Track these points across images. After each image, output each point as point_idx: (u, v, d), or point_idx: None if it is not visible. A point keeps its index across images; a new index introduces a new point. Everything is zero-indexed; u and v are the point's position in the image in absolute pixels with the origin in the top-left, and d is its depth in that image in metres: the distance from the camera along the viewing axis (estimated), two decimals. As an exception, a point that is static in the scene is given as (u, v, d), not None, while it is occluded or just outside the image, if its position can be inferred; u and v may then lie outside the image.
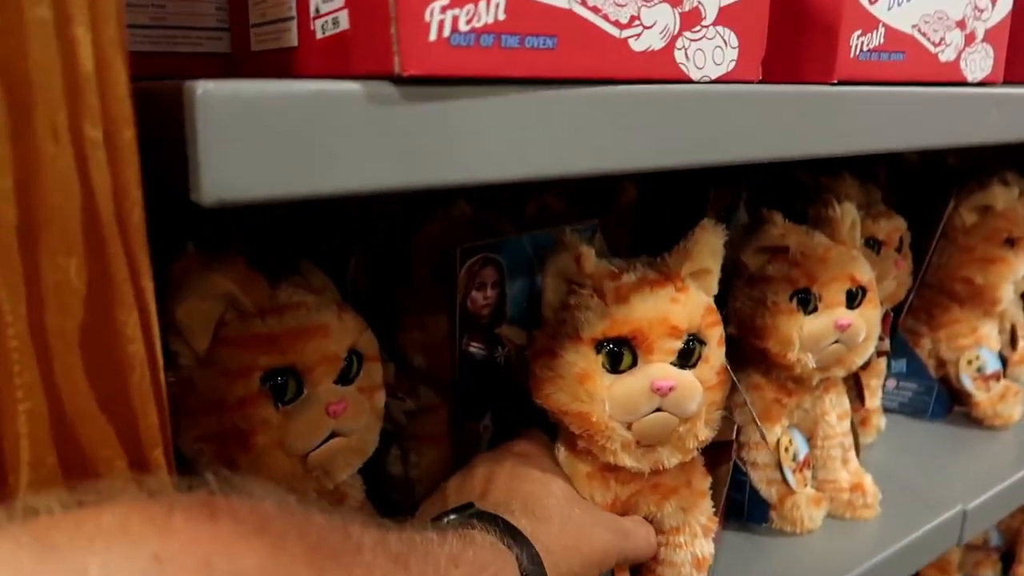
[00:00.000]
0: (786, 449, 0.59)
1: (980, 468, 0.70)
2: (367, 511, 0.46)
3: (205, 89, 0.24)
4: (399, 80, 0.27)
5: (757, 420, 0.57)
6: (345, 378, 0.41)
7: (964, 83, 0.49)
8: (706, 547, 0.48)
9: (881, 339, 0.61)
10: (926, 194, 0.80)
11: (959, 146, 0.50)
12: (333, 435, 0.40)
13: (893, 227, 0.72)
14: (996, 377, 0.79)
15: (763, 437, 0.58)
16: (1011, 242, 0.76)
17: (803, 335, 0.55)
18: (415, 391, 0.52)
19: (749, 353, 0.58)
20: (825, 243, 0.56)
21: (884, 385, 0.79)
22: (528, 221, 0.57)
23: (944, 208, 0.77)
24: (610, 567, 0.44)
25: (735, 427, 0.51)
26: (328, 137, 0.26)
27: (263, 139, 0.25)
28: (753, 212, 0.67)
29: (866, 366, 0.73)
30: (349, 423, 0.40)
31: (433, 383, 0.52)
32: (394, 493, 0.53)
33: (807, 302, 0.55)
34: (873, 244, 0.71)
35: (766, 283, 0.56)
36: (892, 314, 0.72)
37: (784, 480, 0.58)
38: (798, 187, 0.71)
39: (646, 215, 0.70)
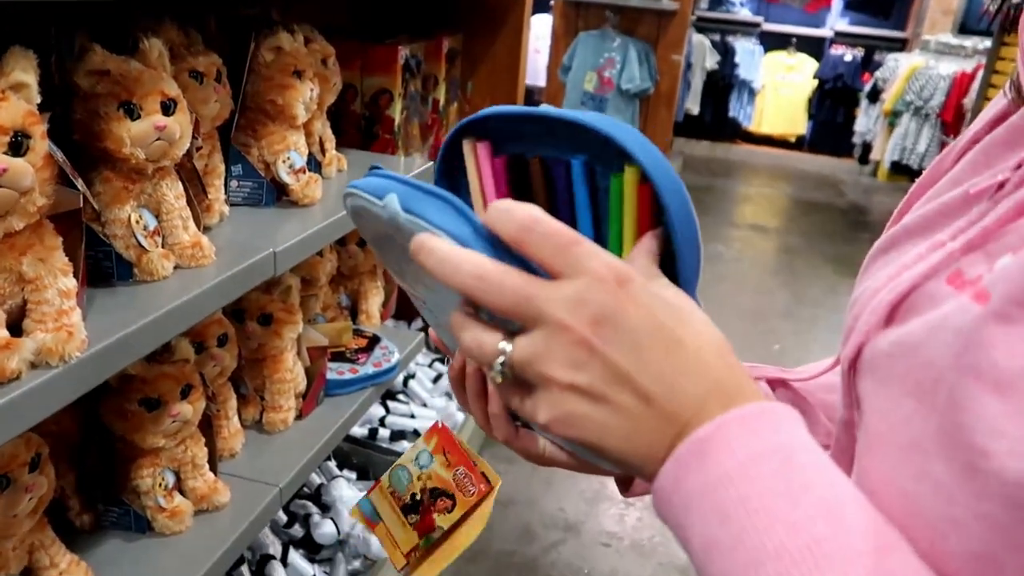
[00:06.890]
0: (137, 222, 0.82)
1: (291, 231, 1.04)
2: None
3: None
4: None
5: (90, 199, 0.78)
6: None
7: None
8: (68, 282, 0.68)
9: (195, 137, 0.87)
10: (242, 37, 1.07)
11: None
12: None
13: (210, 62, 0.97)
14: (303, 170, 1.14)
15: (111, 218, 0.79)
16: (298, 73, 1.09)
17: (132, 135, 0.77)
18: None
19: (96, 154, 0.78)
20: (139, 67, 0.78)
21: (228, 184, 1.08)
22: None
23: (249, 48, 1.05)
24: None
25: (81, 198, 0.71)
26: None
27: None
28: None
29: (208, 170, 1.00)
30: None
31: None
32: None
33: (132, 111, 0.77)
34: (196, 75, 0.96)
35: (97, 99, 0.76)
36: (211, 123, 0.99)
37: (140, 245, 0.82)
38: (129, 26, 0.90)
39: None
